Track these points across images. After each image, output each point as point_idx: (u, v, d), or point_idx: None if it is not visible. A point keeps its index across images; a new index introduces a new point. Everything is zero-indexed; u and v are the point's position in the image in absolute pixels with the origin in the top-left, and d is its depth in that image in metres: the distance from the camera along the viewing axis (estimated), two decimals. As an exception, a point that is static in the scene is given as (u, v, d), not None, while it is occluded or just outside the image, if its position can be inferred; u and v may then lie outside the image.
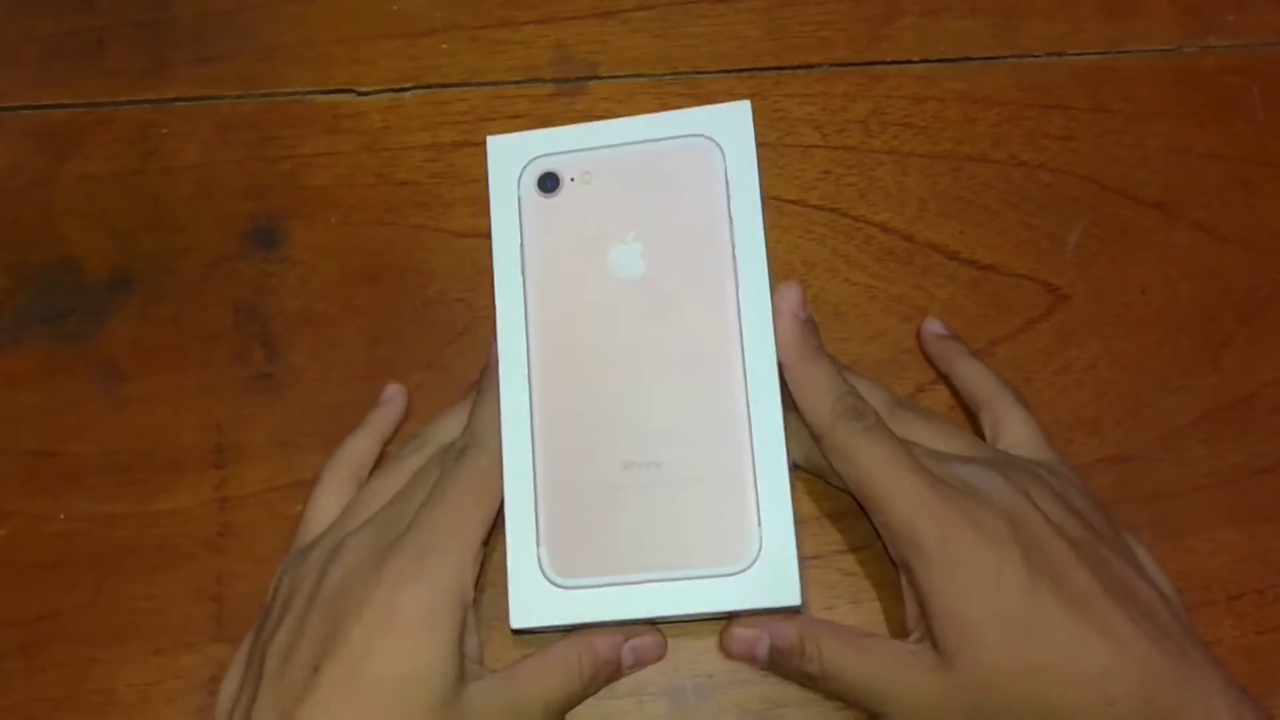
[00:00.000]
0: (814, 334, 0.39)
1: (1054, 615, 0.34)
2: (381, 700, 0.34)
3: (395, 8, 0.48)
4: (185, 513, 0.42)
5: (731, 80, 0.47)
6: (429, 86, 0.47)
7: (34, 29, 0.48)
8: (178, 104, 0.47)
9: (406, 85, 0.47)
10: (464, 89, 0.47)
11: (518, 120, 0.46)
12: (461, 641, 0.36)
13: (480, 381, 0.40)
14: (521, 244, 0.40)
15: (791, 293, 0.38)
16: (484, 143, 0.46)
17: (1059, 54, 0.47)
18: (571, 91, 0.47)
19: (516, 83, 0.47)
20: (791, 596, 0.37)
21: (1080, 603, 0.34)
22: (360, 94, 0.47)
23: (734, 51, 0.47)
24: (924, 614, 0.36)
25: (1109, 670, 0.34)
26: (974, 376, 0.42)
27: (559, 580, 0.37)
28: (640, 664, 0.40)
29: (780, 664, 0.38)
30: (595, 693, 0.39)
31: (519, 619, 0.37)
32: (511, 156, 0.41)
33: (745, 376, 0.38)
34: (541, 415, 0.38)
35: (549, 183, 0.40)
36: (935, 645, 0.35)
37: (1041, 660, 0.34)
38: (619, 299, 0.39)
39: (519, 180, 0.41)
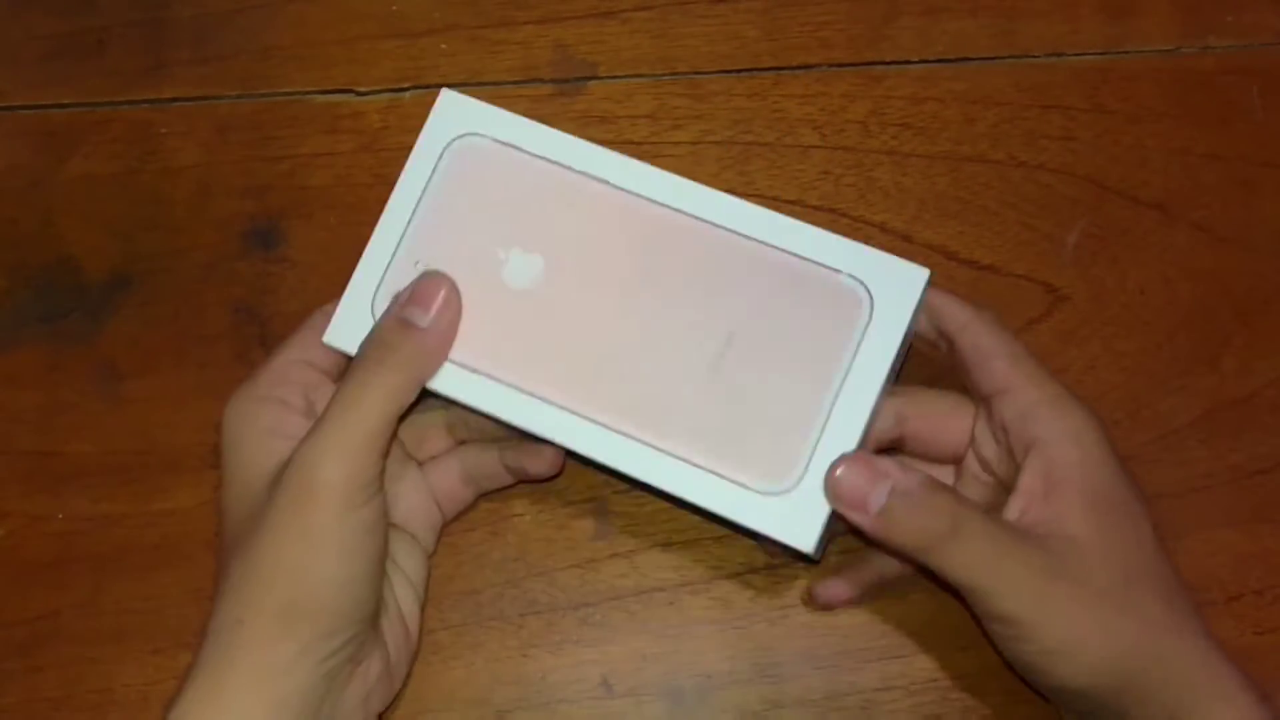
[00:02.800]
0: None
1: (1136, 501, 0.36)
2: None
3: (394, 8, 0.48)
4: (184, 513, 0.42)
5: (730, 80, 0.47)
6: (428, 86, 0.47)
7: (34, 29, 0.48)
8: (177, 104, 0.47)
9: (405, 85, 0.47)
10: (463, 89, 0.47)
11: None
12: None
13: None
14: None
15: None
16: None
17: (1058, 54, 0.47)
18: (570, 91, 0.47)
19: (515, 83, 0.47)
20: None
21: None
22: (359, 94, 0.47)
23: (733, 52, 0.47)
24: (1053, 493, 0.35)
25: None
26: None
27: None
28: (425, 305, 0.36)
29: (899, 518, 0.34)
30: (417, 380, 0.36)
31: None
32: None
33: None
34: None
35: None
36: (1053, 526, 0.35)
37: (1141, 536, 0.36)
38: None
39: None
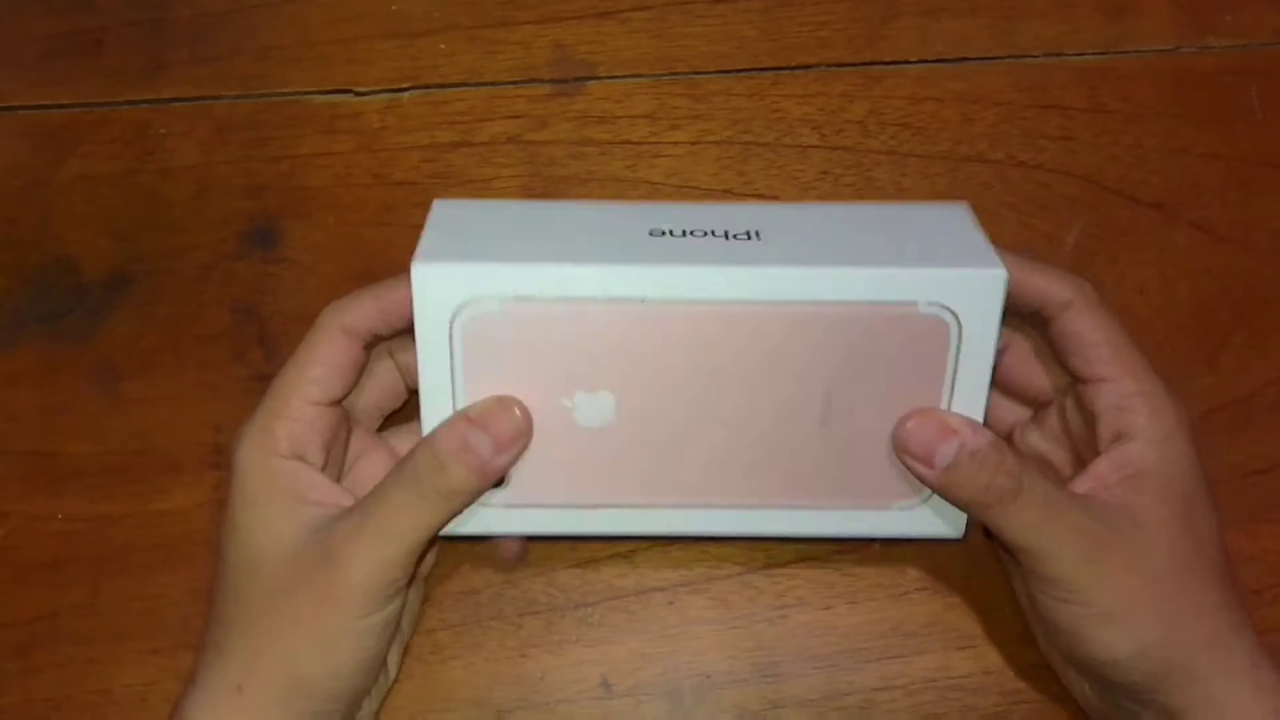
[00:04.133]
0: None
1: (1208, 501, 0.36)
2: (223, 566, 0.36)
3: (393, 8, 0.48)
4: (183, 513, 0.42)
5: (729, 80, 0.47)
6: (427, 87, 0.47)
7: (33, 29, 0.48)
8: (175, 104, 0.47)
9: (404, 85, 0.47)
10: (462, 89, 0.47)
11: (515, 120, 0.46)
12: (284, 487, 0.35)
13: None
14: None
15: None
16: (483, 144, 0.46)
17: (1057, 54, 0.47)
18: (569, 92, 0.47)
19: (514, 83, 0.47)
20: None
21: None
22: (358, 94, 0.47)
23: (732, 52, 0.47)
24: (1128, 484, 0.35)
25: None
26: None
27: None
28: (504, 447, 0.35)
29: (963, 475, 0.34)
30: (466, 506, 0.35)
31: None
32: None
33: None
34: None
35: None
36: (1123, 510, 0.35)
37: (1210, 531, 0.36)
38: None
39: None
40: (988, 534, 0.37)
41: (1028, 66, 0.47)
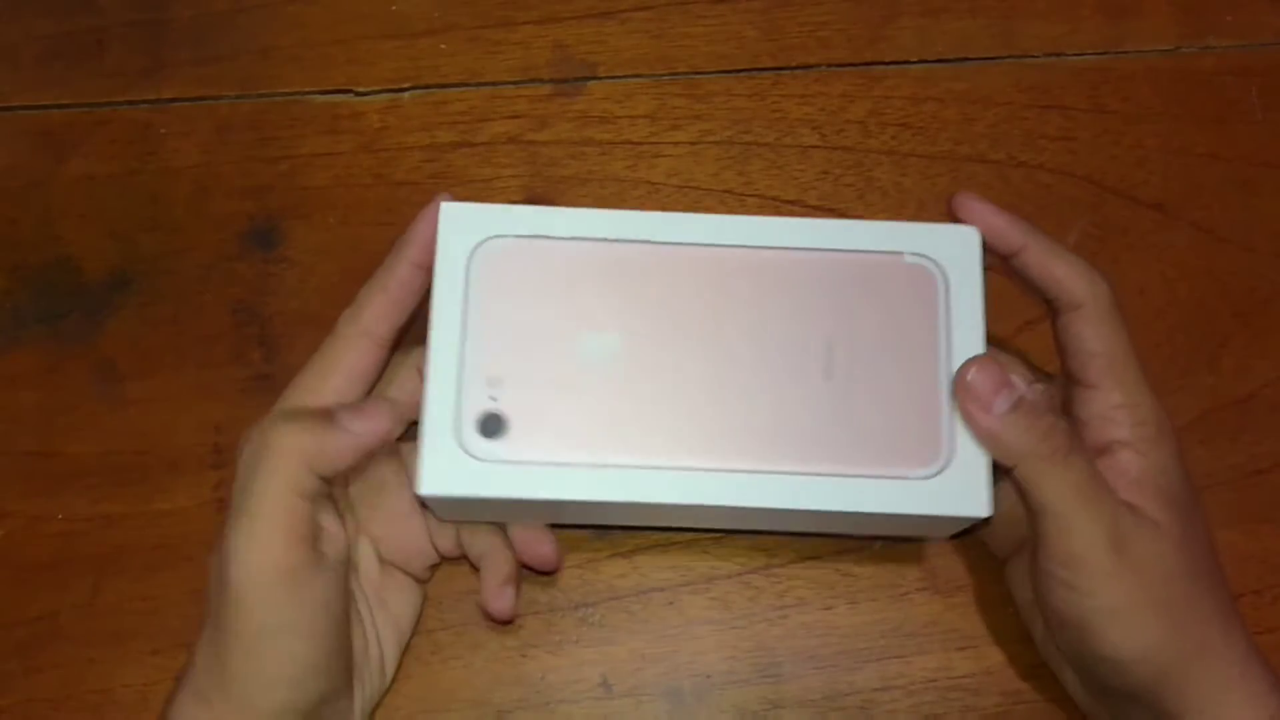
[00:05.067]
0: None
1: (1197, 507, 0.36)
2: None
3: (394, 8, 0.48)
4: (183, 513, 0.42)
5: (730, 80, 0.47)
6: (427, 87, 0.47)
7: (33, 29, 0.48)
8: (176, 104, 0.47)
9: (405, 85, 0.47)
10: (462, 89, 0.47)
11: (516, 120, 0.46)
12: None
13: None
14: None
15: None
16: (483, 144, 0.46)
17: (1058, 54, 0.47)
18: (570, 92, 0.47)
19: (515, 83, 0.47)
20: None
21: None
22: (359, 94, 0.47)
23: (732, 52, 0.47)
24: (1138, 488, 0.35)
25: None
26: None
27: None
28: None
29: (1024, 420, 0.34)
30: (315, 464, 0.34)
31: None
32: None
33: None
34: None
35: (491, 426, 0.35)
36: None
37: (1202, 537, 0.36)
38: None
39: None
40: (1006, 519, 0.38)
41: (1028, 67, 0.47)
